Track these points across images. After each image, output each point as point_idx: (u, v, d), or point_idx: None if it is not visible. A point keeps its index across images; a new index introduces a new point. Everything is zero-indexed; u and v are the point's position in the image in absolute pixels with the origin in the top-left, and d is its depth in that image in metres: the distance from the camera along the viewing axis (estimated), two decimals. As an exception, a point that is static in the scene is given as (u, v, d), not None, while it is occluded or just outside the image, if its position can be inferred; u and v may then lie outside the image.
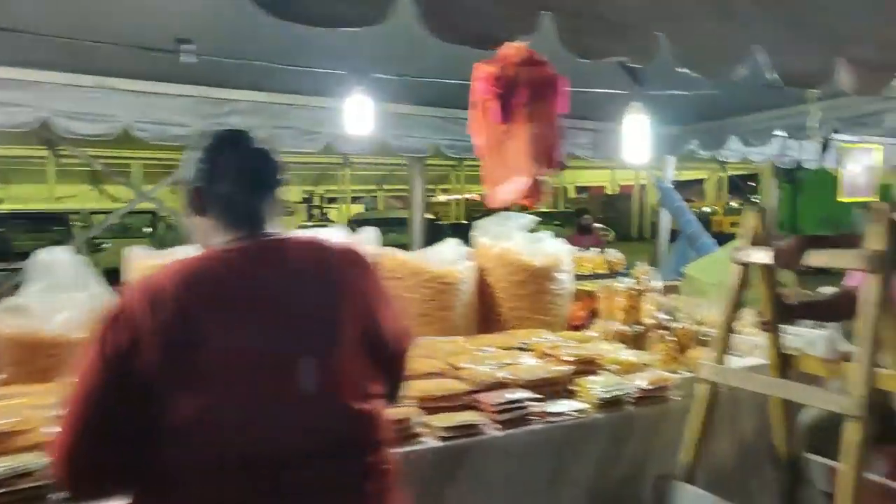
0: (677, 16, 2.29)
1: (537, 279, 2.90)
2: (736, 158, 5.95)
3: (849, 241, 2.07)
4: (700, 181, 19.41)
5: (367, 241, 2.74)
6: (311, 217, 18.21)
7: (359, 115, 3.34)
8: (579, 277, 3.31)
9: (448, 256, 2.85)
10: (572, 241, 6.96)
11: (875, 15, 2.62)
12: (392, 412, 1.91)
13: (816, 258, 2.07)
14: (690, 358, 2.67)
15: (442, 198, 20.63)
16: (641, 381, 2.43)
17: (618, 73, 3.38)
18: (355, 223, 10.01)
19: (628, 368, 2.52)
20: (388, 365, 1.47)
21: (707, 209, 19.42)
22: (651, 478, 2.37)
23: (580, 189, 24.75)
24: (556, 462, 2.21)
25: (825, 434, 2.40)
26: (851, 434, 1.88)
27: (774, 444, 2.38)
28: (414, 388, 2.17)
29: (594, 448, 2.30)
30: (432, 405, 2.12)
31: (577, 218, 7.71)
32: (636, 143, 3.26)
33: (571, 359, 2.45)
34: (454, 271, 2.79)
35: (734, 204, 18.37)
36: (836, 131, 4.78)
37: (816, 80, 2.66)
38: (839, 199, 7.90)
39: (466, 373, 2.27)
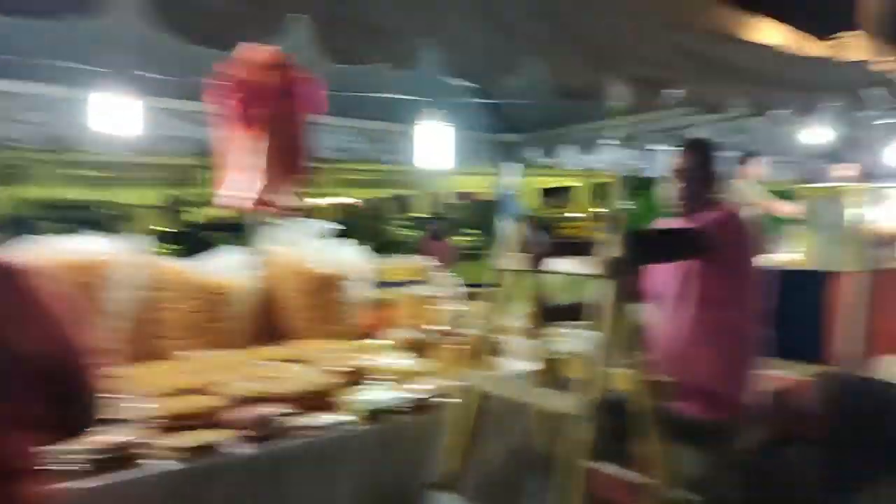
0: (444, 25, 2.29)
1: (327, 288, 2.83)
2: (575, 166, 6.17)
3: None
4: (569, 188, 20.14)
5: (133, 252, 2.57)
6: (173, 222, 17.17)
7: (121, 114, 3.09)
8: (385, 284, 3.27)
9: (225, 266, 2.73)
10: (423, 247, 6.94)
11: (644, 35, 2.77)
12: (110, 435, 1.79)
13: (558, 264, 2.13)
14: (479, 365, 2.68)
15: (320, 200, 20.19)
16: (415, 391, 2.41)
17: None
18: (199, 228, 9.54)
19: (405, 377, 2.50)
20: (52, 386, 1.34)
21: (579, 215, 20.07)
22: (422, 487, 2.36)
23: (462, 195, 24.90)
24: (315, 478, 2.14)
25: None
26: (580, 434, 1.94)
27: (537, 447, 2.44)
28: (160, 407, 2.04)
29: (360, 461, 2.25)
30: (176, 424, 2.00)
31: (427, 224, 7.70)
32: (432, 150, 3.26)
33: (344, 369, 2.40)
34: (227, 282, 2.67)
35: (604, 210, 19.09)
36: (656, 142, 5.04)
37: (592, 94, 2.77)
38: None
39: (221, 388, 2.16)
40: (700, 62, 2.96)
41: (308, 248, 2.87)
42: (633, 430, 2.13)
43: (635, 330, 2.09)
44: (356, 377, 2.42)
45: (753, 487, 2.49)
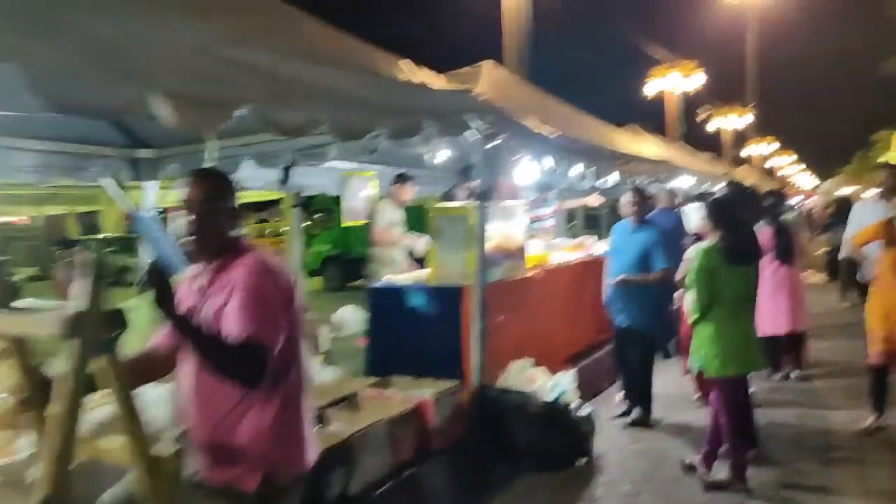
0: None
1: None
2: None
3: None
4: (278, 201, 19.58)
5: None
6: None
7: None
8: None
9: None
10: (60, 277, 5.91)
11: (198, 51, 2.45)
12: None
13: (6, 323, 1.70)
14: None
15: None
16: None
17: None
18: None
19: None
20: None
21: (287, 229, 19.64)
22: None
23: (168, 210, 22.73)
24: None
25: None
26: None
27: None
28: None
29: None
30: None
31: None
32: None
33: None
34: None
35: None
36: (294, 162, 4.80)
37: (125, 111, 2.39)
38: (343, 224, 8.39)
39: None
40: (270, 82, 2.74)
41: None
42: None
43: (125, 396, 1.74)
44: None
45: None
